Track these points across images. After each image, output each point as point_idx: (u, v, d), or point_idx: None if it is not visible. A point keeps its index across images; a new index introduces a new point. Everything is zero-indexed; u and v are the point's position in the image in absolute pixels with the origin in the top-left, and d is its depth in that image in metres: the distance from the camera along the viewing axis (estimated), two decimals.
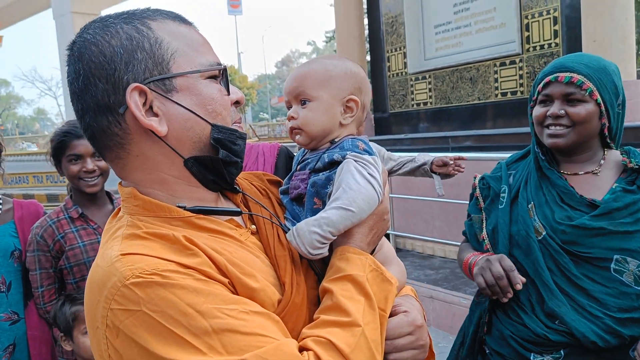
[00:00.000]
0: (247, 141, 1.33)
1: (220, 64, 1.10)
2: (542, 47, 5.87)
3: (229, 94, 1.13)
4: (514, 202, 1.93)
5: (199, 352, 0.87)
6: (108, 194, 2.71)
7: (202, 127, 1.06)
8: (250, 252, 1.10)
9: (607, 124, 1.83)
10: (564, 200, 1.84)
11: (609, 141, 1.90)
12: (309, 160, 1.28)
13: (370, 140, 1.36)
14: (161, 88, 1.03)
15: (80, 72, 1.03)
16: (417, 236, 6.38)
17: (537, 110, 1.90)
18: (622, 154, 1.89)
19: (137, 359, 0.90)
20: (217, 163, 1.09)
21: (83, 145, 2.51)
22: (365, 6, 8.21)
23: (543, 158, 1.93)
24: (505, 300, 1.79)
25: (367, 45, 8.38)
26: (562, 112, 1.81)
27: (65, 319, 2.30)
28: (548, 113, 1.84)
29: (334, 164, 1.21)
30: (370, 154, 1.21)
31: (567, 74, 1.80)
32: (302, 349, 0.95)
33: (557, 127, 1.83)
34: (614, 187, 1.82)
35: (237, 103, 1.18)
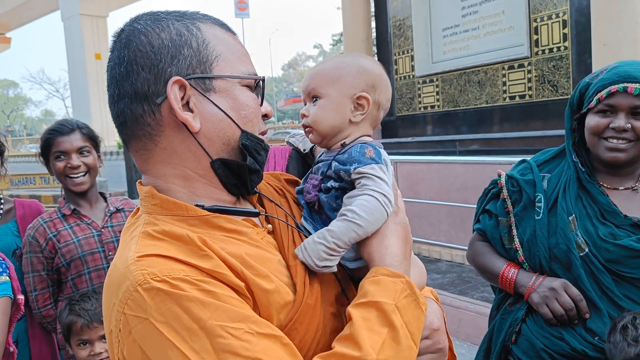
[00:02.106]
0: None
1: (255, 76, 1.13)
2: (551, 50, 5.84)
3: (260, 103, 1.16)
4: (551, 212, 1.84)
5: None
6: (102, 193, 2.71)
7: (233, 130, 1.08)
8: (266, 251, 1.10)
9: None
10: (606, 217, 1.77)
11: None
12: (322, 163, 1.28)
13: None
14: (201, 86, 1.06)
15: (125, 59, 1.05)
16: (424, 240, 6.35)
17: (596, 120, 1.77)
18: None
19: None
20: (242, 169, 1.10)
21: (68, 142, 2.50)
22: (372, 9, 8.20)
23: (583, 170, 1.84)
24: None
25: (375, 49, 8.36)
26: (629, 125, 1.70)
27: (63, 326, 2.27)
28: (611, 125, 1.73)
29: (341, 177, 1.21)
30: (377, 162, 1.19)
31: (637, 86, 1.69)
32: None
33: (620, 141, 1.72)
34: None
35: (265, 116, 1.21)
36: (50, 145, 2.52)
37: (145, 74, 1.04)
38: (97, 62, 35.16)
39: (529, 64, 6.05)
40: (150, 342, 0.90)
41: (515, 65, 6.19)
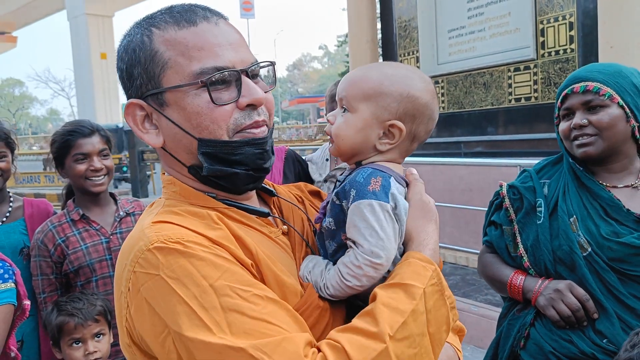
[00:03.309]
0: None
1: (213, 70, 1.04)
2: (557, 52, 5.81)
3: (214, 103, 1.04)
4: (552, 215, 1.86)
5: (204, 326, 0.88)
6: (112, 195, 2.69)
7: (189, 140, 1.06)
8: (280, 248, 1.12)
9: (637, 125, 1.79)
10: (609, 214, 1.78)
11: None
12: (339, 183, 1.15)
13: None
14: (156, 102, 1.07)
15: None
16: None
17: (562, 126, 1.88)
18: None
19: (147, 325, 0.93)
20: (211, 174, 1.09)
21: (90, 144, 2.49)
22: (378, 10, 8.18)
23: (581, 168, 1.87)
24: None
25: (380, 50, 8.34)
26: (585, 121, 1.79)
27: (52, 328, 2.24)
28: (571, 125, 1.82)
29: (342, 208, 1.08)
30: (377, 198, 1.03)
31: (582, 84, 1.80)
32: (318, 349, 0.92)
33: (584, 137, 1.80)
34: None
35: (250, 106, 1.07)
36: (69, 147, 2.49)
37: (125, 93, 1.13)
38: (103, 62, 35.19)
39: (535, 66, 6.03)
40: (159, 298, 0.92)
41: (521, 67, 6.17)
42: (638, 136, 1.82)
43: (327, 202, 1.14)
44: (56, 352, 2.27)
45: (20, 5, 39.15)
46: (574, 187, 1.85)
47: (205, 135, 1.05)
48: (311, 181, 3.20)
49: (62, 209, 2.62)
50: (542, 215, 1.87)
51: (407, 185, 1.15)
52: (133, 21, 1.13)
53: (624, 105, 1.76)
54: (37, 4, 38.71)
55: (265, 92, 1.10)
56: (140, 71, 1.06)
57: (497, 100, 6.48)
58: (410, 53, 7.54)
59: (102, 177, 2.52)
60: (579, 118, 1.80)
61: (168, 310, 0.90)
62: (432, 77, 7.24)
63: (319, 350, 0.92)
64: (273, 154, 1.13)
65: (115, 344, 2.38)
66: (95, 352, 2.19)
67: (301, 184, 1.39)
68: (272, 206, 1.22)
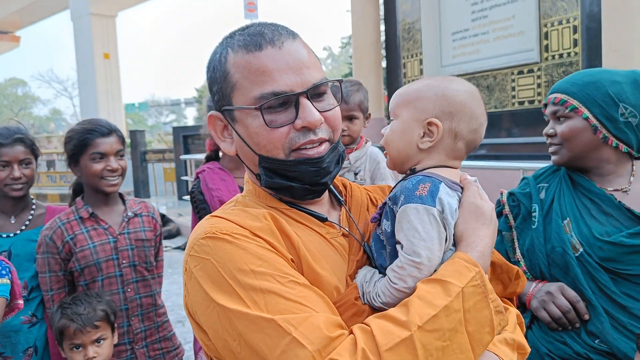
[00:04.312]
0: None
1: (271, 95, 1.12)
2: (561, 56, 5.80)
3: (269, 126, 1.14)
4: (546, 219, 1.90)
5: (243, 303, 1.01)
6: (120, 194, 2.69)
7: (252, 155, 1.19)
8: (332, 248, 1.20)
9: (609, 137, 1.82)
10: (602, 209, 1.80)
11: (625, 150, 1.85)
12: (392, 191, 1.21)
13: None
14: (229, 116, 1.21)
15: None
16: None
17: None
18: None
19: (198, 299, 1.08)
20: (268, 186, 1.22)
21: (107, 144, 2.48)
22: (382, 12, 8.18)
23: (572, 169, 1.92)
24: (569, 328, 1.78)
25: (384, 52, 8.34)
26: (552, 131, 1.91)
27: (55, 330, 2.24)
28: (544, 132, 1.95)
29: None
30: (424, 202, 1.09)
31: (553, 95, 1.90)
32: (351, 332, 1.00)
33: (552, 147, 1.91)
34: None
35: (305, 128, 1.15)
36: (86, 146, 2.48)
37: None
38: (106, 62, 35.15)
39: (539, 69, 6.02)
40: (207, 278, 1.06)
41: (525, 70, 6.16)
42: (615, 144, 1.83)
43: (384, 204, 1.21)
44: (62, 352, 2.28)
45: (23, 5, 39.20)
46: (568, 189, 1.90)
47: (263, 152, 1.17)
48: None
49: (70, 205, 2.62)
50: (537, 220, 1.91)
51: (463, 189, 1.19)
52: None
53: (590, 117, 1.80)
54: (40, 3, 38.74)
55: (330, 110, 1.18)
56: (217, 88, 1.20)
57: (501, 103, 6.47)
58: (414, 55, 7.54)
59: (117, 177, 2.53)
60: (548, 127, 1.92)
61: (213, 289, 1.04)
62: None
63: (352, 333, 0.99)
64: (339, 163, 1.22)
65: (117, 345, 2.38)
66: (95, 357, 2.19)
67: (385, 186, 1.45)
68: (342, 213, 1.30)
